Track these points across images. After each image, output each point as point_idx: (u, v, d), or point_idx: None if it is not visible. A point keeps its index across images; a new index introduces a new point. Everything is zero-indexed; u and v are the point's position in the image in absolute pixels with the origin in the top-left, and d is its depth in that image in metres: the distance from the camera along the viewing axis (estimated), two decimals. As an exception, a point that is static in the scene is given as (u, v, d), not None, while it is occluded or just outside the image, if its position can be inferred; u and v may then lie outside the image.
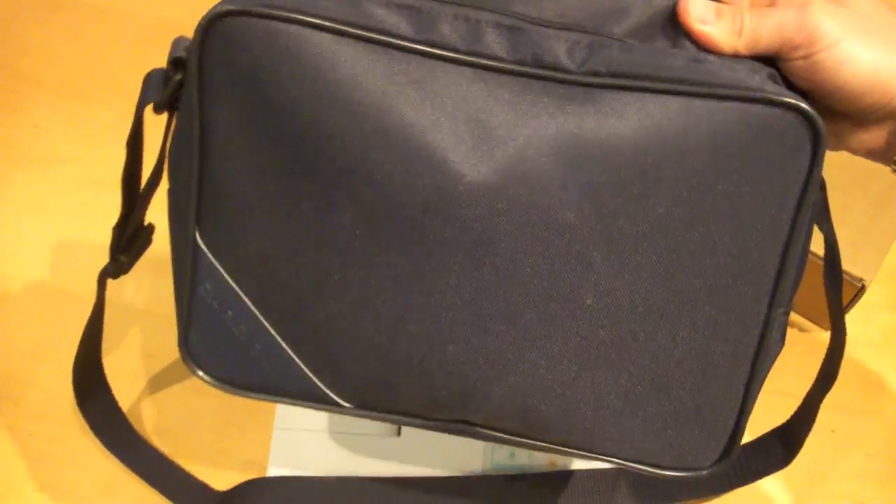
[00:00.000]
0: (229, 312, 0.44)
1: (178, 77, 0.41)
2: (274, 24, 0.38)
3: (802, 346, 0.55)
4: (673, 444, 0.43)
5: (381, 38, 0.38)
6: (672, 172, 0.38)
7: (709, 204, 0.38)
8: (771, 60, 0.41)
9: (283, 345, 0.43)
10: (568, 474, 0.56)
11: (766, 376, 0.43)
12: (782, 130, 0.38)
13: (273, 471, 0.56)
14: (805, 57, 0.41)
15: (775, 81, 0.41)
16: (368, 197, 0.39)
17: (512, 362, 0.41)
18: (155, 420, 0.59)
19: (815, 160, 0.39)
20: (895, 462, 0.58)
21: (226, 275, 0.43)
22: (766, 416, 0.60)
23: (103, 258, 0.65)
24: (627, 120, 0.37)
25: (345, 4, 0.38)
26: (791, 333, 0.63)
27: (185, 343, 0.46)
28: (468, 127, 0.38)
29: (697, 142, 0.38)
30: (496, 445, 0.57)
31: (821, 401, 0.52)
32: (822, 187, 0.41)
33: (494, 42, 0.38)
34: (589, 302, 0.40)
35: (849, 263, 0.58)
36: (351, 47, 0.38)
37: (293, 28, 0.37)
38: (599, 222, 0.38)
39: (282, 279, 0.42)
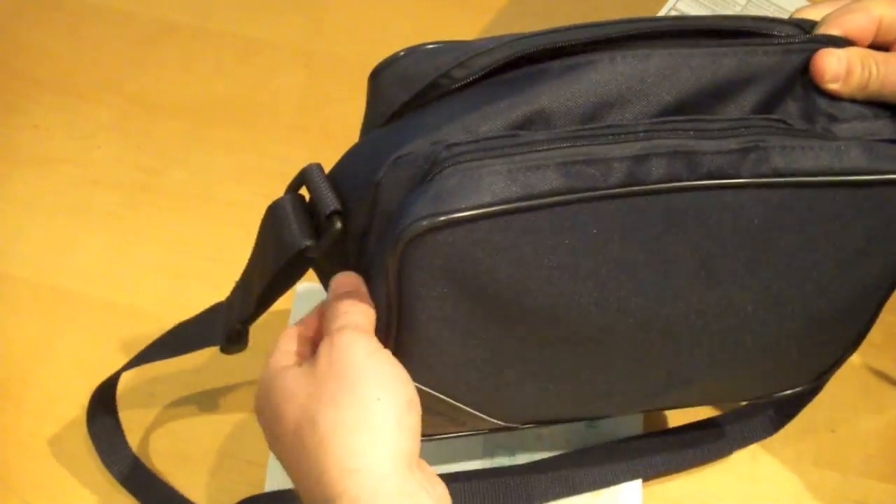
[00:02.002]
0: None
1: (338, 227, 0.40)
2: (471, 229, 0.37)
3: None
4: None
5: (570, 197, 0.38)
6: (794, 244, 0.42)
7: (824, 259, 0.43)
8: None
9: (462, 406, 0.47)
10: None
11: None
12: None
13: (273, 471, 0.56)
14: None
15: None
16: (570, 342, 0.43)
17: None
18: (155, 420, 0.59)
19: None
20: (895, 462, 0.58)
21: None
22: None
23: (103, 258, 0.65)
24: (776, 207, 0.40)
25: (528, 179, 0.38)
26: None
27: None
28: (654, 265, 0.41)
29: (830, 221, 0.41)
30: (496, 445, 0.57)
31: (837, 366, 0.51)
32: None
33: (677, 168, 0.39)
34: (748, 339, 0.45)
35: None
36: (545, 222, 0.38)
37: (481, 228, 0.37)
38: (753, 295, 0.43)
39: (473, 386, 0.45)
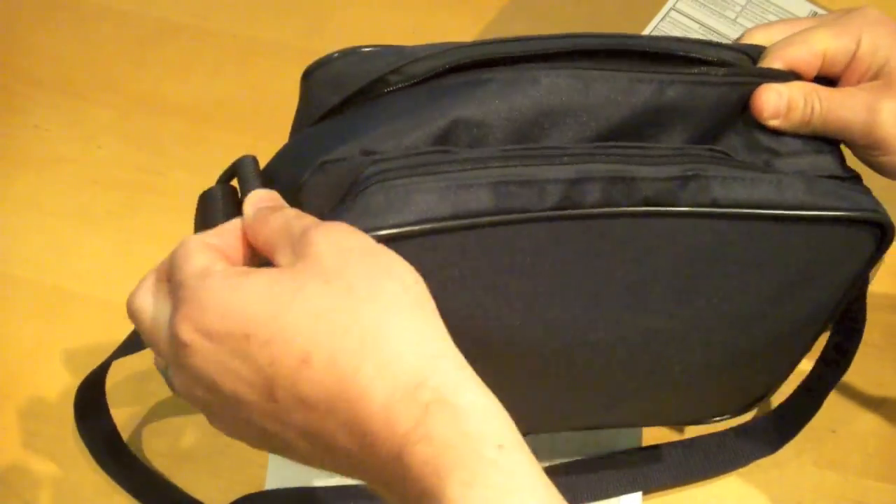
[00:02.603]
0: None
1: None
2: (407, 245, 0.36)
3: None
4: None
5: (505, 217, 0.37)
6: (729, 277, 0.42)
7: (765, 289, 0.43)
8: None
9: None
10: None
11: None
12: (852, 240, 0.42)
13: (273, 470, 0.56)
14: (867, 155, 0.42)
15: (839, 160, 0.42)
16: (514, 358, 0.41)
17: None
18: (154, 420, 0.59)
19: (878, 254, 0.42)
20: (895, 462, 0.58)
21: None
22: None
23: (103, 258, 0.65)
24: (711, 236, 0.40)
25: (458, 198, 0.37)
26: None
27: None
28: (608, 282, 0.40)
29: (765, 254, 0.41)
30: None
31: (834, 383, 0.52)
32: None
33: (603, 196, 0.39)
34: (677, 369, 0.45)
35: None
36: (476, 241, 0.37)
37: (408, 246, 0.36)
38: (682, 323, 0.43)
39: None
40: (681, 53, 0.42)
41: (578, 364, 0.42)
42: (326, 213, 0.37)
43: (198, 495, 0.56)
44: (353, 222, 0.35)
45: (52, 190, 0.68)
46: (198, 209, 0.42)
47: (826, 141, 0.42)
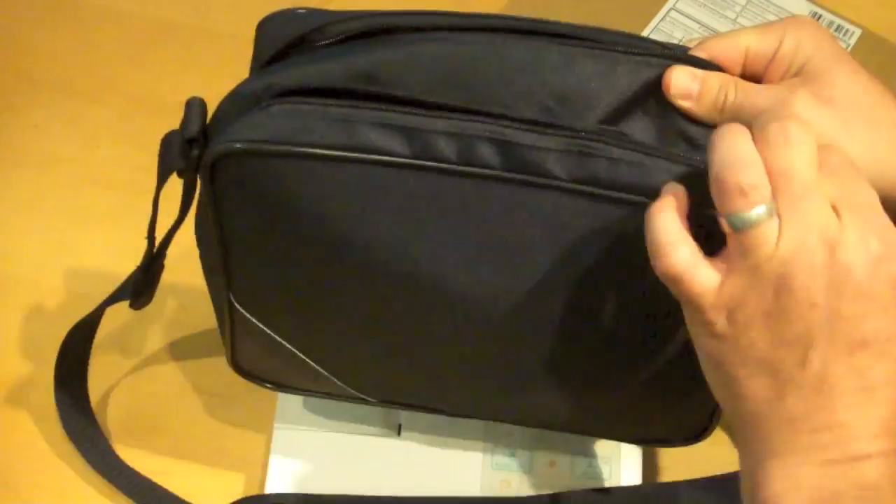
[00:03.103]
0: (269, 346, 0.49)
1: (195, 153, 0.42)
2: (274, 161, 0.40)
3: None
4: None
5: (378, 157, 0.39)
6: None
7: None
8: None
9: (319, 368, 0.50)
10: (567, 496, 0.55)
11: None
12: None
13: (273, 470, 0.56)
14: None
15: None
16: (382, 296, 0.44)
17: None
18: (154, 419, 0.59)
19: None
20: (895, 462, 0.58)
21: (263, 326, 0.48)
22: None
23: (103, 258, 0.65)
24: (586, 217, 0.40)
25: (339, 130, 0.39)
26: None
27: (233, 362, 0.53)
28: (467, 240, 0.41)
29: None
30: (496, 447, 0.57)
31: None
32: None
33: (487, 154, 0.39)
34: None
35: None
36: (348, 172, 0.40)
37: (293, 163, 0.40)
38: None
39: (315, 336, 0.49)
40: (608, 41, 0.42)
41: (439, 318, 0.44)
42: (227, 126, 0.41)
43: (197, 495, 0.57)
44: (242, 130, 0.40)
45: (52, 190, 0.68)
46: (159, 153, 0.46)
47: None
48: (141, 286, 0.51)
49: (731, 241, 0.35)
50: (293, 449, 0.57)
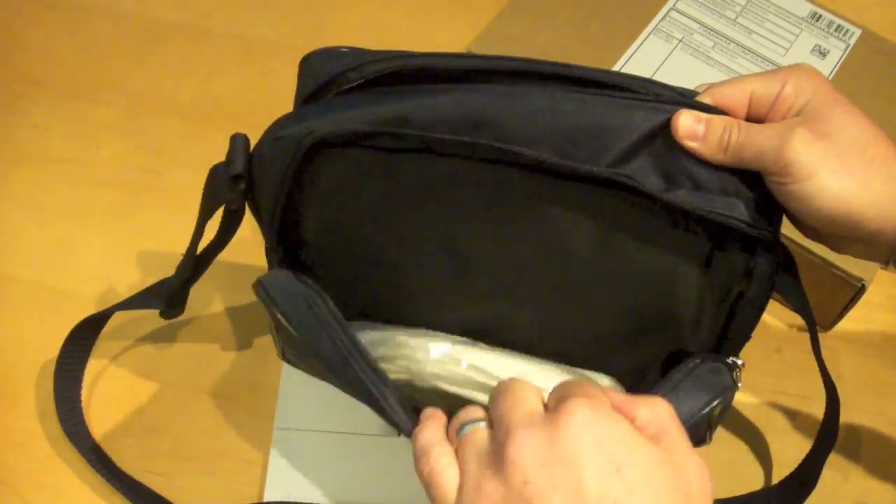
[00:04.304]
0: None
1: (241, 187, 0.47)
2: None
3: (802, 346, 0.55)
4: None
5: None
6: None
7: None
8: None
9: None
10: None
11: None
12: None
13: (273, 471, 0.56)
14: (779, 184, 0.42)
15: (757, 196, 0.44)
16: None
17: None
18: (154, 419, 0.59)
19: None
20: (895, 462, 0.58)
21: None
22: (767, 418, 0.60)
23: (103, 258, 0.65)
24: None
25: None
26: (790, 333, 0.63)
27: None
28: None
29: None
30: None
31: (824, 460, 0.53)
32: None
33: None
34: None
35: (848, 263, 0.58)
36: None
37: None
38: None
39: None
40: (619, 83, 0.44)
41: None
42: (275, 171, 0.45)
43: (199, 496, 0.57)
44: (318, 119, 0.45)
45: (52, 189, 0.68)
46: (206, 182, 0.49)
47: (748, 185, 0.44)
48: (176, 300, 0.55)
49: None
50: (293, 449, 0.57)
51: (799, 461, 0.54)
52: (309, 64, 0.47)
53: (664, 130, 0.43)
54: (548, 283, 0.47)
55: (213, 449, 0.58)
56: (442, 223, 0.46)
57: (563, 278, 0.47)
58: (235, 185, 0.46)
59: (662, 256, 0.46)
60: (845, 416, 0.59)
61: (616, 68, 0.66)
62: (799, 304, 0.48)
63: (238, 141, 0.47)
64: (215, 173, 0.48)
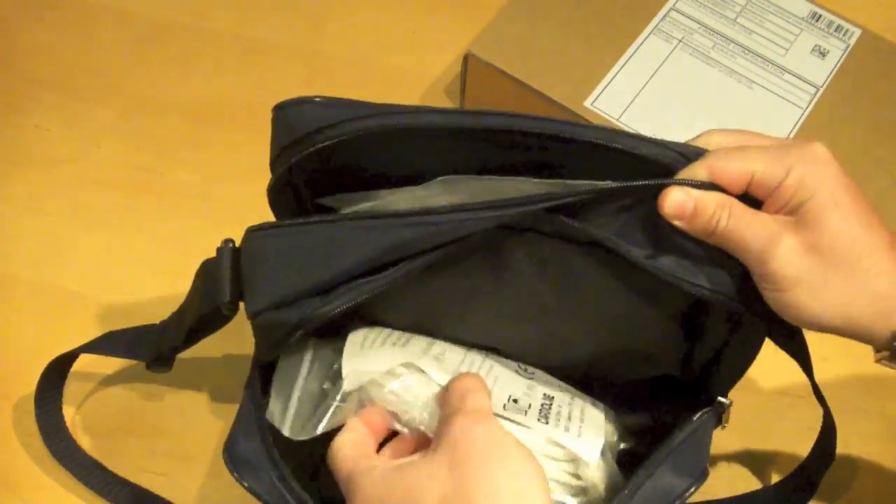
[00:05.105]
0: None
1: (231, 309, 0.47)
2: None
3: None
4: None
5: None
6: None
7: None
8: None
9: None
10: None
11: None
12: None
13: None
14: (759, 285, 0.41)
15: (745, 271, 0.43)
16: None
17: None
18: (154, 420, 0.59)
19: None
20: (895, 462, 0.58)
21: None
22: (768, 419, 0.60)
23: (103, 258, 0.65)
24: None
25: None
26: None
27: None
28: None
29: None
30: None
31: (821, 477, 0.53)
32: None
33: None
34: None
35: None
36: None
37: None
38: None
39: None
40: (624, 148, 0.42)
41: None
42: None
43: (199, 496, 0.57)
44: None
45: (52, 190, 0.68)
46: (199, 274, 0.48)
47: (736, 261, 0.42)
48: (164, 361, 0.54)
49: None
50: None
51: (799, 462, 0.54)
52: (283, 114, 0.45)
53: (654, 197, 0.42)
54: (536, 333, 0.50)
55: (212, 449, 0.58)
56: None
57: (546, 329, 0.49)
58: (226, 308, 0.46)
59: (647, 308, 0.47)
60: (845, 417, 0.59)
61: (616, 68, 0.66)
62: (794, 353, 0.48)
63: (224, 255, 0.46)
64: (206, 273, 0.47)
